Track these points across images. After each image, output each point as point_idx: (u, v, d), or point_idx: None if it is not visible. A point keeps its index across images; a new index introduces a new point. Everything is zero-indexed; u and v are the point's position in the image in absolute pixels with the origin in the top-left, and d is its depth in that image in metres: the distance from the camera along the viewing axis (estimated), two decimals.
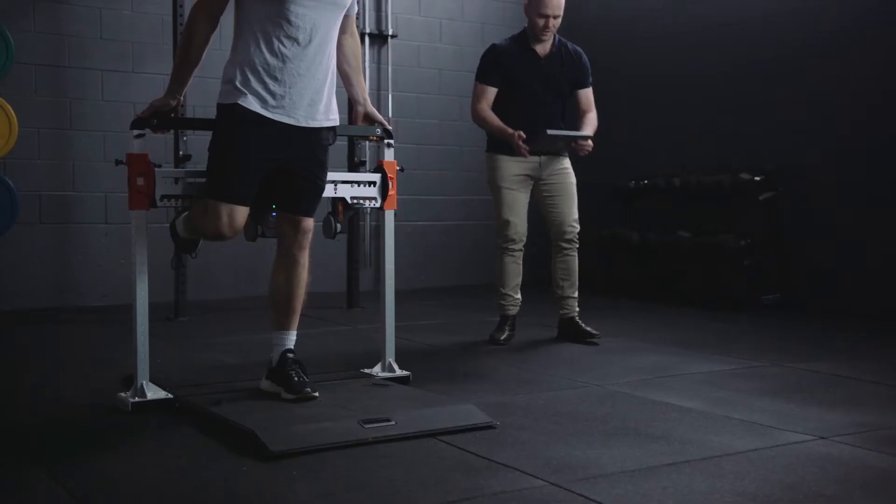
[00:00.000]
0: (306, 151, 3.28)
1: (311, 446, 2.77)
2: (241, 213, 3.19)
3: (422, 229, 7.40)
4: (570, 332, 4.83)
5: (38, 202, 6.08)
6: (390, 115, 7.11)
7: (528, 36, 4.78)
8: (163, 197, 3.28)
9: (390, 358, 3.79)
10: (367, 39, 7.08)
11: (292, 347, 3.38)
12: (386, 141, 3.73)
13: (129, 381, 3.40)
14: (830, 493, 2.43)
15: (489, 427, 3.05)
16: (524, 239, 4.80)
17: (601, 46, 7.87)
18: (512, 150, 4.65)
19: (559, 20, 4.70)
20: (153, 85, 6.22)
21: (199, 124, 3.76)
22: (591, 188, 7.79)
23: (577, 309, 4.87)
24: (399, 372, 3.77)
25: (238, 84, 3.15)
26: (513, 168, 4.73)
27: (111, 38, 6.26)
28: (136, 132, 3.25)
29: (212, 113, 7.11)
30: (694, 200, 6.80)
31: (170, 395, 3.33)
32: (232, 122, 3.17)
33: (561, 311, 4.88)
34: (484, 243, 7.36)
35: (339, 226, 3.67)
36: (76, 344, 4.89)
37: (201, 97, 6.21)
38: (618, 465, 2.66)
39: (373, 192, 3.70)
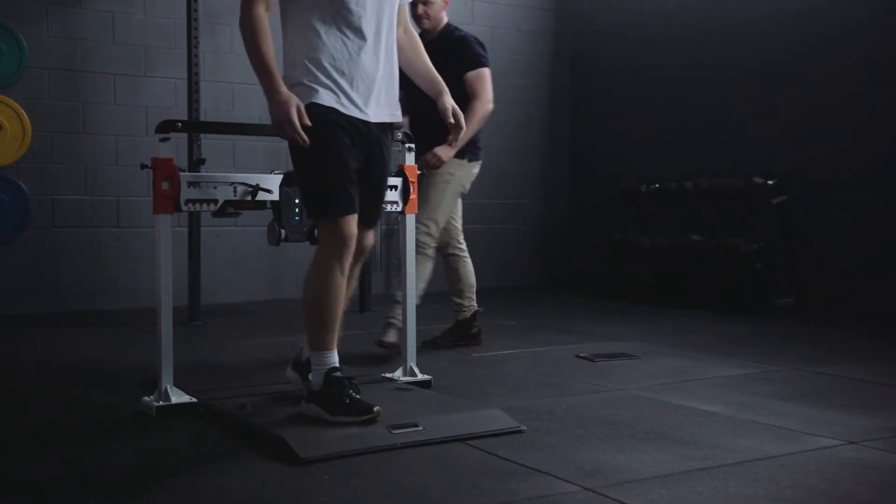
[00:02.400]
0: (376, 152, 3.13)
1: (340, 452, 2.76)
2: (355, 217, 3.04)
3: None
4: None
5: (51, 206, 6.08)
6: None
7: None
8: (187, 201, 3.28)
9: (412, 362, 3.78)
10: None
11: None
12: (407, 145, 3.73)
13: (150, 385, 3.40)
14: (866, 499, 2.42)
15: (517, 431, 3.04)
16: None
17: (611, 51, 7.89)
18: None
19: (432, 7, 4.57)
20: (165, 89, 6.23)
21: (226, 128, 3.71)
22: (601, 192, 7.83)
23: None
24: (420, 376, 3.77)
25: (307, 82, 2.99)
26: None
27: (124, 42, 6.25)
28: (161, 136, 3.24)
29: (223, 117, 7.04)
30: (705, 204, 6.80)
31: (193, 399, 3.33)
32: (314, 124, 2.93)
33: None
34: (489, 246, 7.39)
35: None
36: (89, 347, 4.88)
37: (212, 102, 6.21)
38: (650, 470, 2.65)
39: (394, 196, 3.69)
